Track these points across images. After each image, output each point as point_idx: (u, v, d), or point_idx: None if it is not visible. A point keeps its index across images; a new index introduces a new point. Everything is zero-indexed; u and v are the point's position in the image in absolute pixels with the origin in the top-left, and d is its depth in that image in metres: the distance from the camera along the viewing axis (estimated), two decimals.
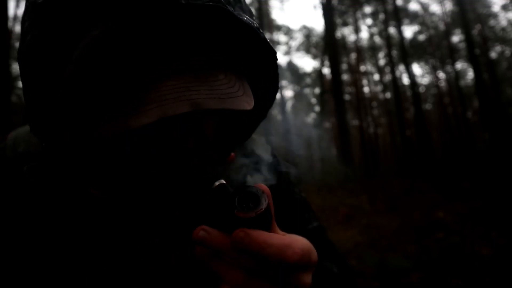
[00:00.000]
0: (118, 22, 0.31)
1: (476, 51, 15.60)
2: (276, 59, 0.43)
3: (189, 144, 0.38)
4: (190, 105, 0.33)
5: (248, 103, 0.38)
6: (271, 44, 0.41)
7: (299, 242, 0.31)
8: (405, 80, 24.35)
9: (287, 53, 25.94)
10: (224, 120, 0.43)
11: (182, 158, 0.39)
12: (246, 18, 0.37)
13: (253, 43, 0.41)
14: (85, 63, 0.32)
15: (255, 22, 0.39)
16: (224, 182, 0.35)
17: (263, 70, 0.45)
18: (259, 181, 0.43)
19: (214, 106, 0.34)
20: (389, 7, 20.07)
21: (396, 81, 19.09)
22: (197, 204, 0.41)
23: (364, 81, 26.07)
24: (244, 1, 0.42)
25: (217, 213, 0.34)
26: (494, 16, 20.55)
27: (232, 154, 0.52)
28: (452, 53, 21.30)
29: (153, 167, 0.39)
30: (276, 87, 0.48)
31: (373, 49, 24.36)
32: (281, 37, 25.80)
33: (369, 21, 23.33)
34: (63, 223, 0.43)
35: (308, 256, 0.31)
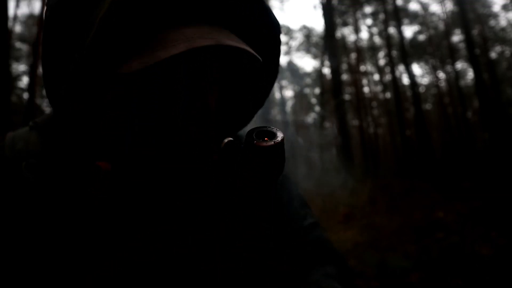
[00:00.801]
0: None
1: (476, 51, 15.57)
2: (280, 32, 0.46)
3: (190, 133, 0.39)
4: (215, 41, 0.36)
5: (258, 56, 0.40)
6: (274, 15, 0.44)
7: None
8: (405, 80, 24.35)
9: (287, 53, 25.95)
10: (227, 93, 0.45)
11: (183, 148, 0.39)
12: None
13: (257, 21, 0.44)
14: (118, 5, 0.35)
15: None
16: (232, 139, 0.37)
17: (265, 59, 0.47)
18: None
19: (234, 44, 0.37)
20: (389, 7, 20.05)
21: (396, 81, 19.06)
22: (198, 194, 0.42)
23: (364, 81, 26.09)
24: None
25: (230, 164, 0.35)
26: (494, 16, 20.54)
27: None
28: (452, 53, 21.27)
29: (154, 156, 0.40)
30: (275, 75, 0.51)
31: (373, 49, 24.34)
32: (281, 37, 25.75)
33: (369, 21, 23.31)
34: (63, 221, 0.43)
35: None
